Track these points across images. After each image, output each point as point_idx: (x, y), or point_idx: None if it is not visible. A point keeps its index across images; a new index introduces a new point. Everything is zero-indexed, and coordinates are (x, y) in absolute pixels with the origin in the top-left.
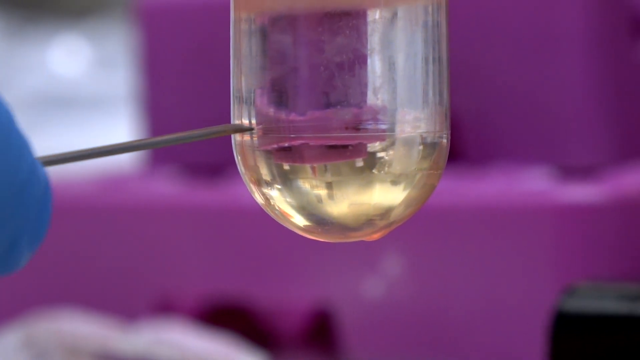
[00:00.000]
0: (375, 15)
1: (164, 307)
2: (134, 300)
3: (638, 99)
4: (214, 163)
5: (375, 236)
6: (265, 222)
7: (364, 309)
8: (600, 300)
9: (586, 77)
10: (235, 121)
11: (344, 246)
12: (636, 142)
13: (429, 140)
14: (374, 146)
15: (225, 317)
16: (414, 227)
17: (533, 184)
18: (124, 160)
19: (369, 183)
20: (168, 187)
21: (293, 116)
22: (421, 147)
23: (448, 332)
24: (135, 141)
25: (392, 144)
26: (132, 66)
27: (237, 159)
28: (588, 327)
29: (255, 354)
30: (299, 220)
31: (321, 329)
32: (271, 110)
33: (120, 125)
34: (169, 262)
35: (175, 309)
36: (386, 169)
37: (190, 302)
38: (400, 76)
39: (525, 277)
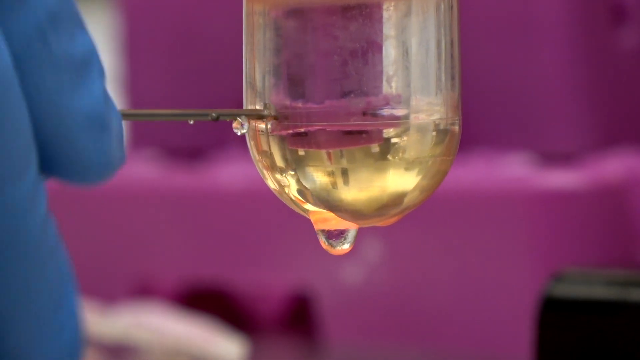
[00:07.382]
0: (388, 3)
1: (143, 291)
2: (112, 283)
3: (618, 85)
4: (194, 146)
5: (389, 222)
6: (244, 206)
7: (342, 293)
8: (589, 285)
9: (567, 64)
10: (248, 108)
11: None
12: (616, 128)
13: (441, 126)
14: (388, 132)
15: (204, 300)
16: None
17: (514, 170)
18: None
19: (383, 169)
20: (148, 171)
21: (309, 104)
22: (434, 134)
23: (427, 318)
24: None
25: (407, 130)
26: (113, 49)
27: (250, 144)
28: (576, 312)
29: (234, 338)
30: (312, 207)
31: (300, 313)
32: (287, 99)
33: None
34: (148, 245)
35: (154, 292)
36: (400, 154)
37: (169, 285)
38: (414, 62)
39: (504, 262)
